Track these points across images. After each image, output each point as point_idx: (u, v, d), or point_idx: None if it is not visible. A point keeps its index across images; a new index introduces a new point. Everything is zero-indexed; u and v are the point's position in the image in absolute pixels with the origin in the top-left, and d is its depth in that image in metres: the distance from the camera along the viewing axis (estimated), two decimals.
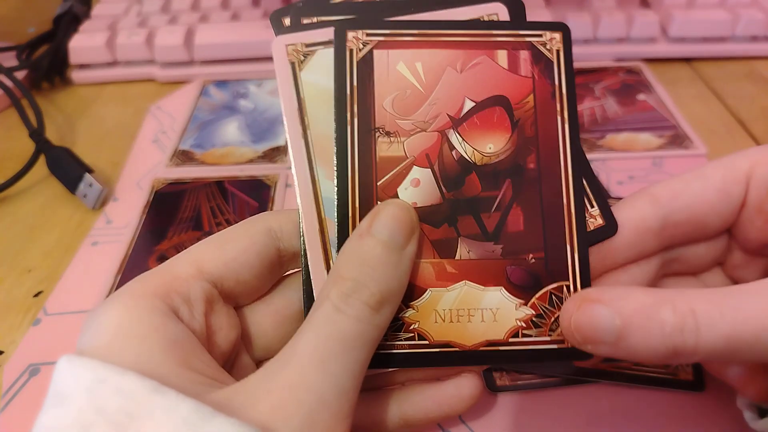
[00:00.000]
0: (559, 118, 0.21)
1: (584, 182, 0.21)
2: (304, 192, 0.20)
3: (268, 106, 0.43)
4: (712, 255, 0.23)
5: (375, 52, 0.21)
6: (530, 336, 0.19)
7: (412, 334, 0.19)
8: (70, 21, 0.49)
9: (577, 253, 0.20)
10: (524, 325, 0.19)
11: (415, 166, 0.20)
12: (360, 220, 0.19)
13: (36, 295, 0.31)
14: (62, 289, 0.31)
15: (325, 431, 0.16)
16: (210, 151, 0.39)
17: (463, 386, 0.20)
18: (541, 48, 0.22)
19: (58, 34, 0.48)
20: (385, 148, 0.20)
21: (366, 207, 0.20)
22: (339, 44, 0.20)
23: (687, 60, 0.46)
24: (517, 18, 0.22)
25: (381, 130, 0.20)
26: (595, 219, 0.21)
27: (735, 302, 0.17)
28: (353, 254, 0.18)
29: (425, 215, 0.20)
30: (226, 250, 0.20)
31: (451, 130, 0.21)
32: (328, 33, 0.21)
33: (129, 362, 0.16)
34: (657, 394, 0.25)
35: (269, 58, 0.44)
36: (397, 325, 0.19)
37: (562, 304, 0.20)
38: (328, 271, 0.20)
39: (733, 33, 0.44)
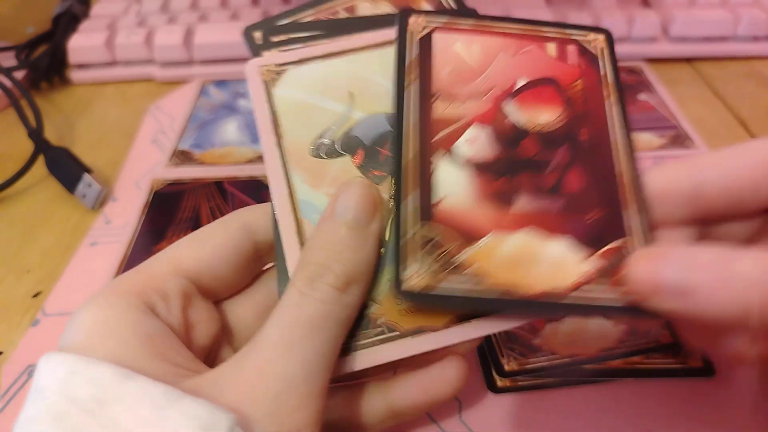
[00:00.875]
0: (606, 101, 0.22)
1: None
2: (279, 195, 0.21)
3: None
4: (746, 234, 0.21)
5: (434, 34, 0.23)
6: (593, 290, 0.19)
7: (472, 274, 0.19)
8: (69, 21, 0.49)
9: (639, 213, 0.20)
10: (588, 279, 0.19)
11: (470, 127, 0.22)
12: (414, 172, 0.20)
13: (35, 296, 0.31)
14: (61, 289, 0.31)
15: (294, 413, 0.16)
16: (209, 151, 0.39)
17: (449, 369, 0.20)
18: (586, 45, 0.24)
19: (57, 34, 0.48)
20: (440, 110, 0.22)
21: (421, 160, 0.20)
22: (402, 25, 0.23)
23: (688, 60, 0.45)
24: None
25: (437, 94, 0.22)
26: None
27: None
28: (318, 240, 0.19)
29: (483, 167, 0.21)
30: (203, 246, 0.20)
31: (506, 100, 0.22)
32: (298, 54, 0.23)
33: (104, 356, 0.16)
34: (665, 386, 0.25)
35: None
36: (456, 264, 0.19)
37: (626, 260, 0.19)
38: None
39: (734, 33, 0.44)
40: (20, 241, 0.34)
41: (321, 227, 0.19)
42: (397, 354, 0.19)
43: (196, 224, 0.33)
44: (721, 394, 0.24)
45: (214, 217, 0.34)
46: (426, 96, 0.22)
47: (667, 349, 0.26)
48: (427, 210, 0.20)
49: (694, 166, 0.20)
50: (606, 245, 0.20)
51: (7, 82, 0.41)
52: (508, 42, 0.23)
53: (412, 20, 0.23)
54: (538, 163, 0.21)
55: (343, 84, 0.22)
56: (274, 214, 0.20)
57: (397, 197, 0.20)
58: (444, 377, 0.20)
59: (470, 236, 0.20)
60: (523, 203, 0.21)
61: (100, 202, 0.35)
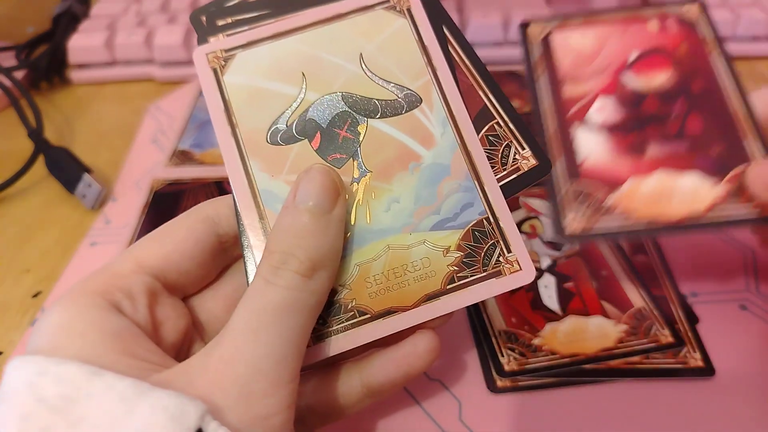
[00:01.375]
0: (710, 56, 0.28)
1: (512, 126, 0.21)
2: (240, 187, 0.20)
3: None
4: None
5: (552, 35, 0.30)
6: (726, 209, 0.24)
7: (620, 213, 0.24)
8: (68, 20, 0.49)
9: (756, 140, 0.25)
10: (720, 200, 0.24)
11: (597, 99, 0.27)
12: (557, 143, 0.26)
13: (35, 296, 0.31)
14: (61, 289, 0.31)
15: (264, 399, 0.16)
16: (209, 151, 0.39)
17: (420, 343, 0.20)
18: (683, 15, 0.29)
19: (57, 34, 0.48)
20: (569, 92, 0.28)
21: (561, 132, 0.27)
22: (523, 33, 0.30)
23: None
24: (434, 9, 0.22)
25: (564, 80, 0.28)
26: (527, 160, 0.21)
27: None
28: (281, 228, 0.19)
29: (614, 128, 0.27)
30: (165, 242, 0.20)
31: (622, 72, 0.28)
32: (246, 37, 0.22)
33: (71, 356, 0.16)
34: (666, 386, 0.25)
35: None
36: (606, 208, 0.24)
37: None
38: None
39: (734, 33, 0.44)
40: (20, 241, 0.34)
41: (283, 215, 0.19)
42: (369, 336, 0.19)
43: None
44: (721, 394, 0.24)
45: None
46: (555, 82, 0.28)
47: (667, 349, 0.26)
48: (574, 170, 0.26)
49: None
50: (733, 170, 0.25)
51: (7, 82, 0.41)
52: (615, 27, 0.29)
53: (531, 29, 0.30)
54: (660, 116, 0.27)
55: (295, 65, 0.21)
56: (235, 206, 0.20)
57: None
58: (416, 351, 0.20)
59: (613, 184, 0.25)
60: (654, 150, 0.26)
61: (99, 202, 0.35)
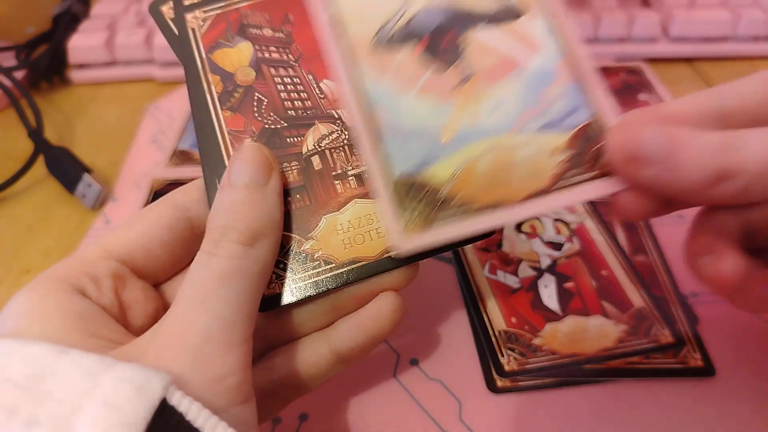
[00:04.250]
0: None
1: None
2: (346, 88, 0.21)
3: None
4: None
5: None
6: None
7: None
8: (68, 20, 0.49)
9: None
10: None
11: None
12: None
13: None
14: None
15: (216, 361, 0.17)
16: None
17: (382, 305, 0.21)
18: None
19: (57, 34, 0.48)
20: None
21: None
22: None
23: (688, 60, 0.45)
24: None
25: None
26: None
27: None
28: (219, 206, 0.19)
29: None
30: (133, 229, 0.21)
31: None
32: None
33: (35, 336, 0.17)
34: (665, 386, 0.25)
35: None
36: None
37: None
38: (378, 157, 0.20)
39: (734, 33, 0.44)
40: (20, 241, 0.34)
41: (219, 194, 0.20)
42: (478, 226, 0.19)
43: None
44: (721, 394, 0.24)
45: None
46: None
47: (667, 349, 0.26)
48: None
49: (714, 91, 0.20)
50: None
51: (7, 82, 0.41)
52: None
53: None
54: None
55: None
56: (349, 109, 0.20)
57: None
58: (380, 313, 0.21)
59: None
60: None
61: (99, 202, 0.35)
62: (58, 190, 0.36)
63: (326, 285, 0.20)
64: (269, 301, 0.20)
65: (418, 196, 0.19)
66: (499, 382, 0.25)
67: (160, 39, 0.45)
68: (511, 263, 0.30)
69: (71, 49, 0.46)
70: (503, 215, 0.19)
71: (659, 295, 0.28)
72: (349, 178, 0.22)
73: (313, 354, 0.21)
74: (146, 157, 0.39)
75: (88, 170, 0.36)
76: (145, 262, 0.21)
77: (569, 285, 0.28)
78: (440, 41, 0.21)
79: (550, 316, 0.27)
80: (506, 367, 0.25)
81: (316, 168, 0.22)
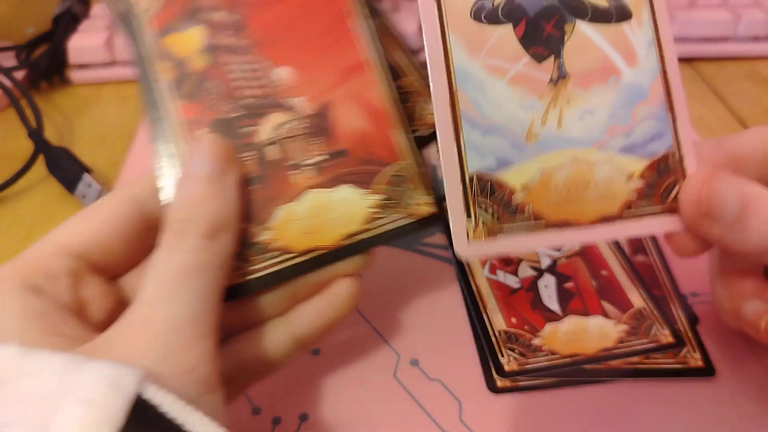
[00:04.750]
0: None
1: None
2: (435, 60, 0.19)
3: None
4: None
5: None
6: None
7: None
8: (69, 21, 0.49)
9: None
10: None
11: None
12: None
13: None
14: None
15: (185, 353, 0.17)
16: None
17: (339, 291, 0.21)
18: None
19: (57, 34, 0.48)
20: None
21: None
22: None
23: (688, 60, 0.45)
24: None
25: None
26: None
27: None
28: (179, 200, 0.19)
29: None
30: (88, 223, 0.21)
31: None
32: None
33: None
34: (666, 386, 0.25)
35: None
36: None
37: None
38: (457, 145, 0.19)
39: (734, 33, 0.44)
40: (20, 241, 0.34)
41: (179, 188, 0.19)
42: (542, 243, 0.19)
43: None
44: (722, 395, 0.24)
45: None
46: None
47: (667, 349, 0.26)
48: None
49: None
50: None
51: (7, 82, 0.41)
52: None
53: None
54: None
55: None
56: (429, 81, 0.19)
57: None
58: (337, 298, 0.21)
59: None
60: None
61: None
62: (59, 190, 0.36)
63: (285, 275, 0.20)
64: (230, 292, 0.20)
65: (491, 197, 0.19)
66: (499, 383, 0.25)
67: None
68: (511, 263, 0.30)
69: (71, 50, 0.46)
70: (570, 236, 0.19)
71: (659, 295, 0.28)
72: (305, 168, 0.21)
73: (273, 340, 0.21)
74: (146, 157, 0.39)
75: (88, 170, 0.36)
76: (102, 257, 0.21)
77: (569, 285, 0.28)
78: (543, 26, 0.19)
79: (550, 316, 0.27)
80: (506, 367, 0.25)
81: (272, 158, 0.21)
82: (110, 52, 0.46)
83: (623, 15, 0.20)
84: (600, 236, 0.19)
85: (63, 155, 0.37)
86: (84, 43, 0.46)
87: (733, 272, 0.21)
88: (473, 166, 0.19)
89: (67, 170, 0.36)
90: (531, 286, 0.29)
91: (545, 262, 0.30)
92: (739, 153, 0.20)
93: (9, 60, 0.47)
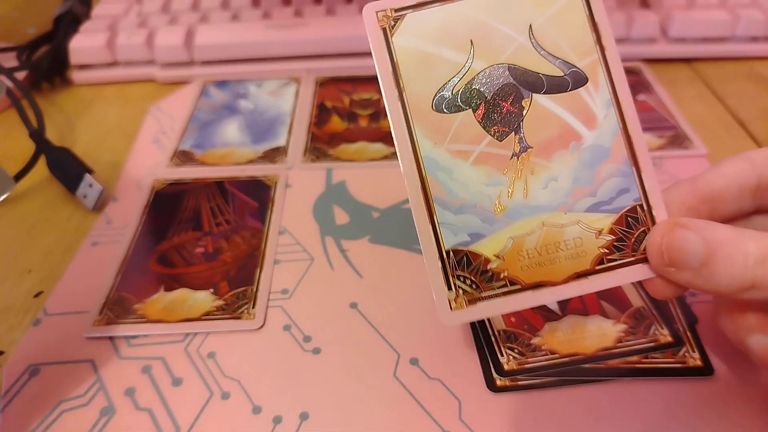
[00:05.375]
0: None
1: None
2: (404, 152, 0.21)
3: (268, 106, 0.43)
4: None
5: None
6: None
7: (503, 282, 0.21)
8: (70, 21, 0.49)
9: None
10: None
11: None
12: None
13: (36, 296, 0.31)
14: (62, 289, 0.31)
15: None
16: (210, 152, 0.39)
17: None
18: None
19: (59, 35, 0.48)
20: None
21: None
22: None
23: (687, 60, 0.46)
24: None
25: None
26: None
27: None
28: None
29: None
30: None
31: None
32: None
33: None
34: (664, 386, 0.25)
35: (269, 59, 0.45)
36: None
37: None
38: (432, 226, 0.20)
39: (733, 33, 0.44)
40: (21, 241, 0.34)
41: None
42: (519, 306, 0.20)
43: (196, 224, 0.33)
44: (720, 394, 0.24)
45: (215, 218, 0.34)
46: None
47: (666, 348, 0.26)
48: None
49: (753, 161, 0.21)
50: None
51: (9, 83, 0.41)
52: None
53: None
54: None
55: (463, 31, 0.21)
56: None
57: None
58: None
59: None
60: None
61: (101, 203, 0.35)
62: (60, 191, 0.37)
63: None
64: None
65: (469, 268, 0.20)
66: (499, 382, 0.25)
67: (160, 40, 0.45)
68: None
69: (72, 50, 0.46)
70: (545, 296, 0.20)
71: None
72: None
73: None
74: (147, 158, 0.39)
75: (89, 170, 0.36)
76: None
77: None
78: (502, 105, 0.21)
79: (550, 316, 0.27)
80: (506, 367, 0.26)
81: None
82: (111, 52, 0.46)
83: (579, 81, 0.21)
84: (575, 292, 0.20)
85: (64, 155, 0.37)
86: (85, 44, 0.46)
87: (734, 307, 0.21)
88: (448, 242, 0.20)
89: (69, 170, 0.36)
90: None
91: None
92: (713, 190, 0.21)
93: (10, 60, 0.47)
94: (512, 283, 0.20)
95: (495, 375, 0.25)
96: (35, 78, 0.46)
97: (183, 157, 0.38)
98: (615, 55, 0.21)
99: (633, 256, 0.20)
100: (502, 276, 0.20)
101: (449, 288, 0.20)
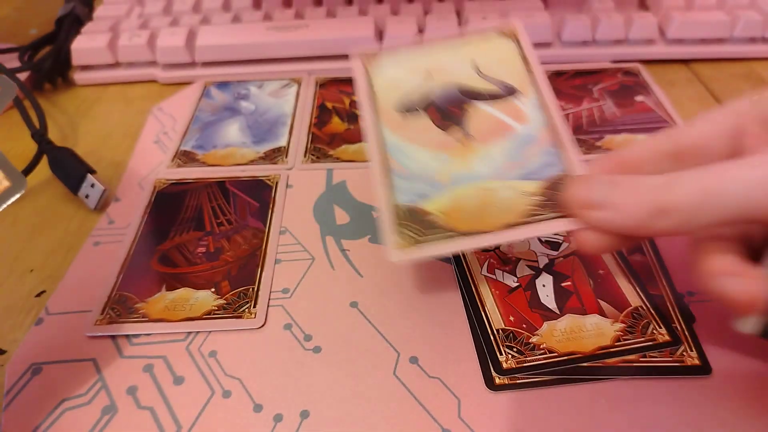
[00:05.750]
0: None
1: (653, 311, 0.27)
2: (371, 138, 0.27)
3: (269, 107, 0.43)
4: None
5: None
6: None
7: (443, 229, 0.24)
8: (72, 22, 0.49)
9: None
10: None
11: None
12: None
13: (38, 295, 0.31)
14: (64, 288, 0.31)
15: None
16: (211, 152, 0.39)
17: None
18: None
19: (61, 36, 0.48)
20: None
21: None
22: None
23: (685, 61, 0.46)
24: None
25: None
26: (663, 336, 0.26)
27: (715, 168, 0.20)
28: None
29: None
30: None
31: None
32: (391, 46, 0.30)
33: None
34: (662, 384, 0.25)
35: (270, 60, 0.45)
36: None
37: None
38: (387, 188, 0.25)
39: (731, 34, 0.45)
40: (23, 241, 0.34)
41: None
42: (456, 248, 0.24)
43: (198, 224, 0.34)
44: (718, 393, 0.25)
45: (216, 217, 0.34)
46: None
47: (664, 347, 0.26)
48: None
49: (672, 132, 0.24)
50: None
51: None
52: None
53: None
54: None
55: (424, 65, 0.28)
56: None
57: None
58: None
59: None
60: None
61: (103, 203, 0.36)
62: (62, 191, 0.37)
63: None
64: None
65: (414, 219, 0.24)
66: (498, 380, 0.25)
67: (162, 41, 0.46)
68: (509, 262, 0.30)
69: (74, 51, 0.46)
70: (479, 240, 0.24)
71: (656, 294, 0.28)
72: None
73: None
74: (149, 158, 0.39)
75: (91, 171, 0.36)
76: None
77: (567, 284, 0.29)
78: (450, 109, 0.27)
79: (548, 315, 0.28)
80: (504, 365, 0.26)
81: None
82: (113, 53, 0.47)
83: (512, 92, 0.27)
84: (504, 239, 0.24)
85: (66, 156, 0.37)
86: (87, 45, 0.46)
87: (698, 250, 0.22)
88: (400, 200, 0.25)
89: (71, 171, 0.36)
90: (529, 285, 0.29)
91: (543, 261, 0.30)
92: (628, 158, 0.24)
93: (12, 61, 0.47)
94: (451, 231, 0.24)
95: (494, 374, 0.26)
96: (37, 79, 0.47)
97: (185, 157, 0.39)
98: (542, 75, 0.27)
99: (557, 212, 0.24)
100: (442, 225, 0.24)
101: (398, 234, 0.24)
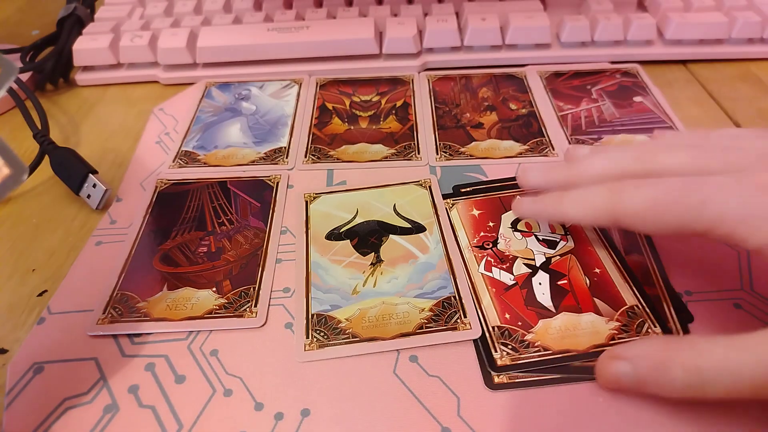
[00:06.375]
0: None
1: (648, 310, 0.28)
2: (299, 258, 0.32)
3: (269, 108, 0.43)
4: None
5: None
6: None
7: (347, 335, 0.28)
8: (73, 23, 0.49)
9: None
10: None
11: None
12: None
13: (40, 295, 0.31)
14: (66, 288, 0.31)
15: None
16: (213, 153, 0.39)
17: None
18: None
19: (62, 37, 0.48)
20: None
21: None
22: None
23: (683, 62, 0.46)
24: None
25: None
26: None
27: (734, 355, 0.21)
28: None
29: None
30: None
31: None
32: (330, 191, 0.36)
33: None
34: None
35: (270, 61, 0.46)
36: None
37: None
38: (306, 299, 0.29)
39: (729, 35, 0.45)
40: (26, 241, 0.34)
41: None
42: (356, 351, 0.27)
43: (200, 224, 0.34)
44: None
45: (218, 217, 0.34)
46: None
47: None
48: None
49: None
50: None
51: (13, 84, 0.42)
52: None
53: None
54: None
55: (353, 204, 0.34)
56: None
57: None
58: None
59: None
60: None
61: (104, 203, 0.36)
62: (64, 191, 0.37)
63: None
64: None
65: (324, 326, 0.28)
66: (497, 379, 0.26)
67: (163, 42, 0.46)
68: (506, 260, 0.30)
69: (76, 52, 0.47)
70: (375, 346, 0.27)
71: (652, 294, 0.28)
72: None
73: None
74: (151, 159, 0.39)
75: (93, 171, 0.36)
76: None
77: (563, 282, 0.29)
78: (368, 238, 0.32)
79: (543, 313, 0.28)
80: (499, 362, 0.26)
81: None
82: (115, 54, 0.47)
83: (420, 230, 0.33)
84: (398, 346, 0.27)
85: (68, 156, 0.37)
86: (89, 46, 0.47)
87: None
88: (315, 309, 0.29)
89: (72, 171, 0.36)
90: (525, 283, 0.29)
91: (539, 260, 0.30)
92: None
93: (14, 62, 0.47)
94: (353, 336, 0.27)
95: (492, 372, 0.26)
96: (39, 79, 0.47)
97: (186, 157, 0.39)
98: (445, 218, 0.33)
99: (445, 325, 0.28)
100: (347, 332, 0.28)
101: (307, 336, 0.28)
